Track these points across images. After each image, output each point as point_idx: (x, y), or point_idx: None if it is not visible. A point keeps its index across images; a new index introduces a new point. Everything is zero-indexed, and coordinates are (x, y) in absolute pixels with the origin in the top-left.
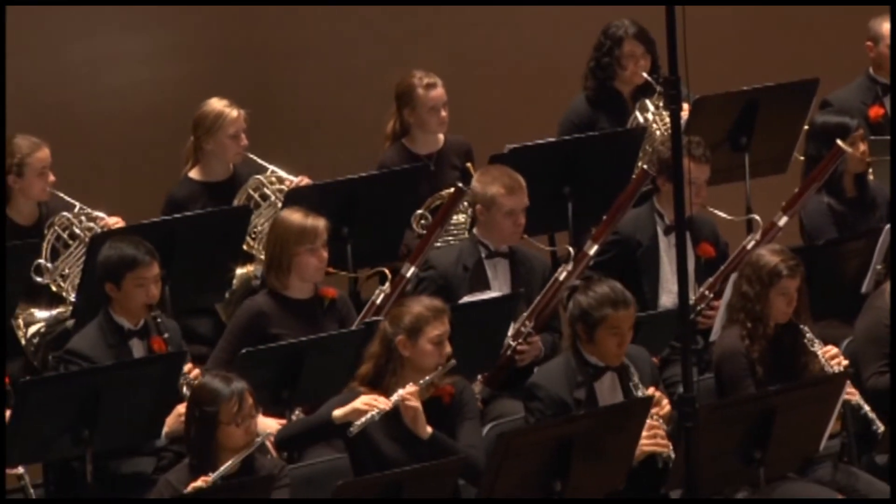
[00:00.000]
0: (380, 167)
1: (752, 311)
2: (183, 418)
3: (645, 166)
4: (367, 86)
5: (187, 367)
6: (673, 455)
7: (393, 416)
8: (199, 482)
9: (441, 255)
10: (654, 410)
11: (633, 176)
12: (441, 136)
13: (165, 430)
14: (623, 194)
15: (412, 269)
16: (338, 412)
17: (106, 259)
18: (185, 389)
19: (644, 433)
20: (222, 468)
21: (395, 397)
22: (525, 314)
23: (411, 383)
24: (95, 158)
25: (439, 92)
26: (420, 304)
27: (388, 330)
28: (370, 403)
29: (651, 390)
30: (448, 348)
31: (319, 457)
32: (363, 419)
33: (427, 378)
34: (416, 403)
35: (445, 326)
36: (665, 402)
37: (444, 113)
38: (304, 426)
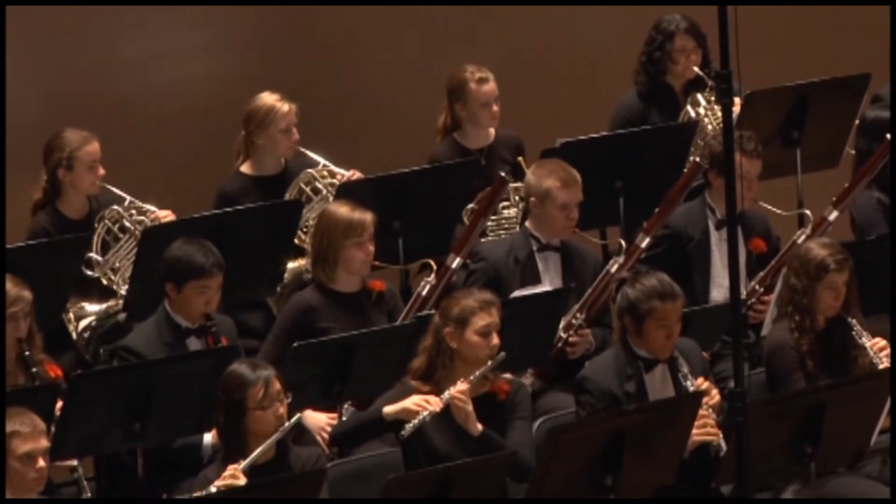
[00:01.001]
0: (431, 161)
1: (800, 304)
2: None
3: (697, 160)
4: (418, 80)
5: None
6: (724, 444)
7: (444, 413)
8: (229, 470)
9: (492, 247)
10: (703, 400)
11: (685, 169)
12: (492, 131)
13: (212, 440)
14: (675, 188)
15: (457, 260)
16: (388, 409)
17: (174, 259)
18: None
19: (694, 424)
20: (252, 455)
21: (445, 396)
22: (576, 307)
23: (462, 381)
24: (147, 152)
25: (491, 87)
26: (469, 296)
27: (437, 322)
28: (421, 404)
29: (700, 380)
30: (496, 340)
31: (370, 451)
32: (414, 421)
33: (477, 373)
34: (466, 403)
35: (493, 318)
36: (714, 391)
37: (495, 108)
38: (356, 423)
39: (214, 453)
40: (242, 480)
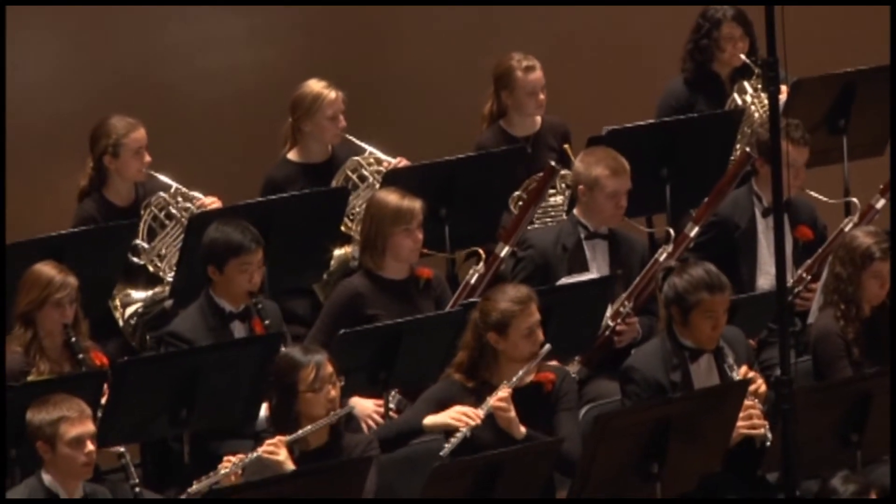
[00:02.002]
0: (477, 149)
1: (845, 292)
2: None
3: (747, 149)
4: (464, 67)
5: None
6: (770, 436)
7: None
8: (276, 438)
9: (540, 234)
10: (751, 389)
11: (734, 158)
12: (538, 119)
13: (265, 412)
14: (725, 177)
15: (506, 249)
16: (428, 421)
17: (211, 242)
18: None
19: (740, 415)
20: (299, 431)
21: (486, 406)
22: (624, 295)
23: (503, 386)
24: (193, 139)
25: (538, 75)
26: (506, 299)
27: (478, 323)
28: (461, 419)
29: (744, 369)
30: (540, 336)
31: (418, 438)
32: (454, 440)
33: (520, 373)
34: (508, 409)
35: (535, 316)
36: (760, 381)
37: (541, 96)
38: (398, 430)
39: (270, 426)
40: (283, 453)
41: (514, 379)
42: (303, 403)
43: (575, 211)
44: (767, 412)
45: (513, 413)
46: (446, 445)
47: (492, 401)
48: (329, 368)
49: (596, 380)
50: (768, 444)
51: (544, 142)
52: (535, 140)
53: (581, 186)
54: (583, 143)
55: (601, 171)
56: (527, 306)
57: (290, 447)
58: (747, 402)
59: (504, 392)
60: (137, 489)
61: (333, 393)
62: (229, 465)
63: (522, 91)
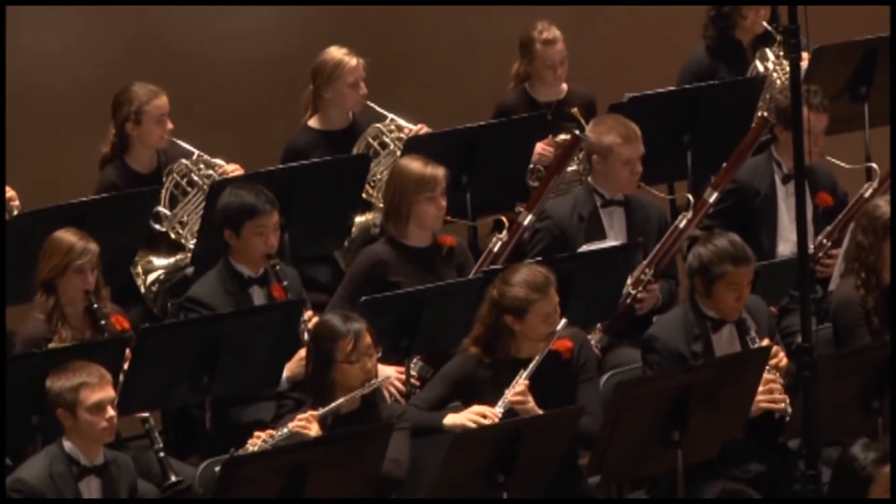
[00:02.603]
0: (498, 108)
1: (866, 261)
2: (304, 362)
3: (764, 114)
4: (488, 34)
5: (308, 314)
6: (790, 410)
7: (509, 377)
8: (308, 413)
9: (556, 204)
10: (772, 363)
11: (753, 124)
12: (564, 86)
13: (286, 374)
14: (743, 142)
15: (529, 217)
16: (448, 421)
17: (226, 206)
18: (305, 336)
19: (760, 388)
20: (333, 404)
21: (504, 403)
22: (644, 262)
23: (521, 379)
24: (215, 106)
25: (556, 49)
26: (523, 284)
27: (496, 301)
28: (478, 420)
29: (766, 342)
30: (557, 318)
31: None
32: None
33: (537, 359)
34: (526, 402)
35: (552, 301)
36: (781, 354)
37: (559, 71)
38: (416, 425)
39: (291, 388)
40: (315, 428)
41: (531, 367)
42: (338, 373)
43: (589, 179)
44: (788, 385)
45: (531, 403)
46: None
47: (509, 395)
48: (367, 339)
49: (617, 348)
50: (788, 418)
51: (565, 111)
52: (557, 107)
53: (595, 156)
54: (604, 110)
55: (613, 138)
56: (545, 293)
57: (323, 420)
58: (768, 376)
59: (521, 385)
60: (162, 454)
61: (370, 364)
62: (259, 440)
63: (541, 63)
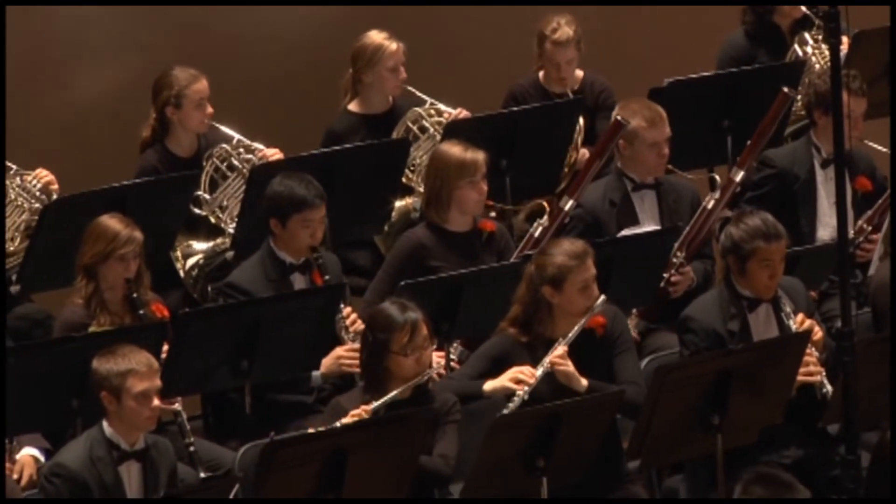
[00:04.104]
0: (507, 94)
1: None
2: (340, 361)
3: (785, 89)
4: (524, 20)
5: (347, 310)
6: (827, 383)
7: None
8: (360, 409)
9: (587, 192)
10: None
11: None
12: (580, 74)
13: (322, 370)
14: (765, 119)
15: (570, 202)
16: (488, 386)
17: (275, 195)
18: (342, 333)
19: None
20: (386, 397)
21: (544, 365)
22: (675, 245)
23: (560, 344)
24: (255, 91)
25: (564, 51)
26: (562, 253)
27: (533, 277)
28: (518, 378)
29: (800, 317)
30: (595, 291)
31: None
32: (511, 405)
33: (575, 329)
34: (566, 364)
35: (590, 271)
36: (817, 328)
37: (563, 72)
38: (455, 391)
39: (324, 383)
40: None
41: (570, 335)
42: (393, 363)
43: (618, 164)
44: (825, 360)
45: (572, 367)
46: (507, 406)
47: (548, 358)
48: (424, 331)
49: (656, 332)
50: (825, 391)
51: (581, 101)
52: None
53: (621, 140)
54: (644, 94)
55: (639, 122)
56: (583, 260)
57: (376, 414)
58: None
59: (561, 349)
60: (192, 448)
61: (425, 356)
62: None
63: (547, 60)
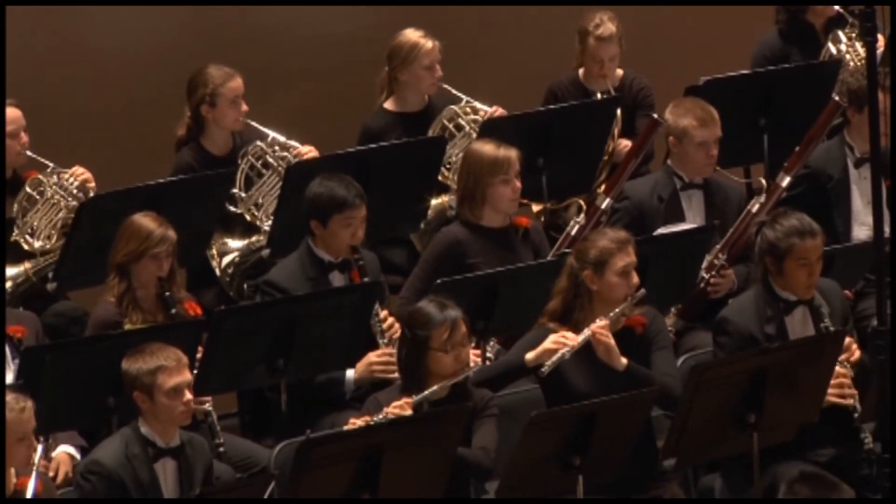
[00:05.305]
0: (547, 91)
1: None
2: (372, 368)
3: (835, 97)
4: (562, 18)
5: (383, 313)
6: (859, 407)
7: (583, 352)
8: (402, 401)
9: (636, 186)
10: (843, 357)
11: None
12: (620, 72)
13: (354, 376)
14: (815, 126)
15: (607, 201)
16: (530, 355)
17: (315, 196)
18: (378, 337)
19: (831, 381)
20: (426, 392)
21: (585, 332)
22: (718, 246)
23: (601, 317)
24: (289, 88)
25: (607, 47)
26: (604, 238)
27: (574, 265)
28: (560, 341)
29: (847, 341)
30: (636, 278)
31: (515, 388)
32: (554, 358)
33: (617, 310)
34: (608, 337)
35: (631, 257)
36: (854, 347)
37: (606, 68)
38: (497, 370)
39: (357, 389)
40: (409, 413)
41: (612, 314)
42: (432, 360)
43: (669, 162)
44: (858, 373)
45: (612, 340)
46: (547, 363)
47: (592, 326)
48: (463, 329)
49: (692, 331)
50: (857, 415)
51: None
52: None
53: (671, 138)
54: (678, 93)
55: (689, 121)
56: (624, 246)
57: (418, 407)
58: (840, 370)
59: (603, 321)
60: (222, 449)
61: (464, 354)
62: (355, 427)
63: (590, 56)
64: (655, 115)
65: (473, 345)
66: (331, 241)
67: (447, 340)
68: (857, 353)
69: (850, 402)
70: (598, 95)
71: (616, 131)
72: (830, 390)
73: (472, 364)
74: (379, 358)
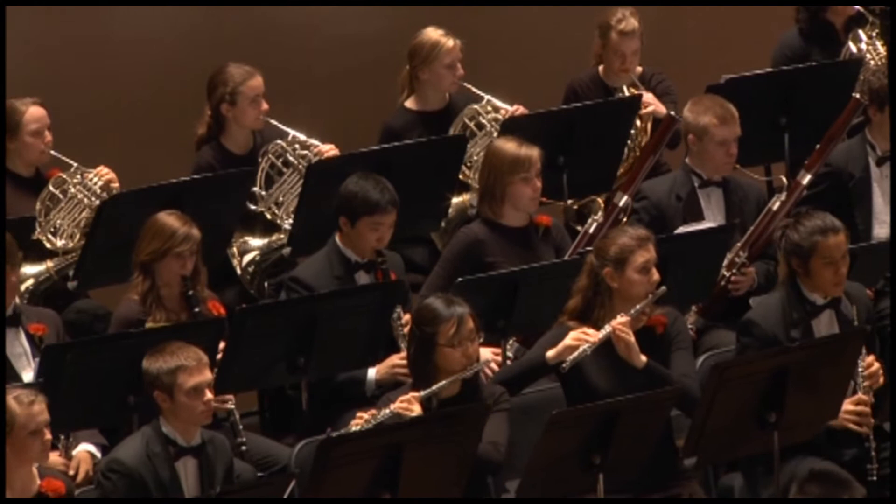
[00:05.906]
0: (567, 88)
1: None
2: (395, 370)
3: (856, 95)
4: (582, 16)
5: (406, 317)
6: (872, 439)
7: (603, 349)
8: (410, 395)
9: (654, 184)
10: (867, 384)
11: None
12: (639, 69)
13: (376, 377)
14: (835, 124)
15: (625, 198)
16: (551, 353)
17: (349, 194)
18: (399, 341)
19: (850, 406)
20: (434, 386)
21: (606, 329)
22: (739, 244)
23: (622, 314)
24: (309, 86)
25: (629, 41)
26: (624, 235)
27: (594, 262)
28: (580, 338)
29: (870, 359)
30: (656, 276)
31: (535, 386)
32: (575, 354)
33: (637, 307)
34: (628, 334)
35: (651, 254)
36: (880, 373)
37: (628, 62)
38: (518, 369)
39: (378, 389)
40: (417, 409)
41: (633, 311)
42: (440, 356)
43: (687, 160)
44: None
45: (632, 337)
46: (568, 360)
47: (612, 323)
48: (470, 324)
49: (713, 330)
50: (868, 445)
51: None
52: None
53: (691, 136)
54: (698, 91)
55: (709, 119)
56: (646, 243)
57: (425, 402)
58: (862, 397)
59: (623, 318)
60: (244, 448)
61: (472, 349)
62: (362, 421)
63: (612, 51)
64: (673, 113)
65: (493, 344)
66: (356, 240)
67: (454, 336)
68: (882, 380)
69: (865, 430)
70: (625, 90)
71: (648, 126)
72: (849, 416)
73: (480, 359)
74: (402, 360)
